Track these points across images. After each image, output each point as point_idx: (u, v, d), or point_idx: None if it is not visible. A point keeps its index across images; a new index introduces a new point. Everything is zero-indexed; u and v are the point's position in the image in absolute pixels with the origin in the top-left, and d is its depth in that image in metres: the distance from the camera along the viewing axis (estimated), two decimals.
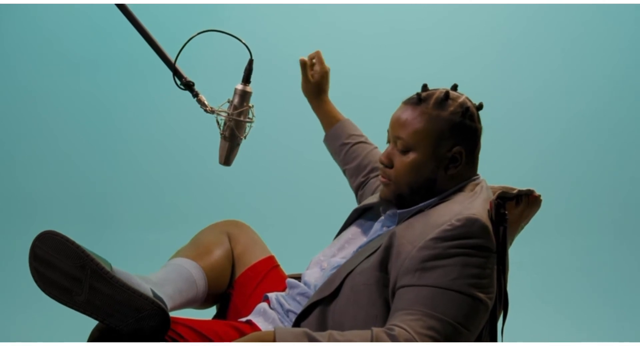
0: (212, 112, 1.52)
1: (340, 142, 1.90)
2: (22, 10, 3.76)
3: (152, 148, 3.80)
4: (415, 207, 1.48)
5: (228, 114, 1.52)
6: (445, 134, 1.43)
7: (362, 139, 1.90)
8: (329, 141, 1.94)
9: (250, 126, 1.55)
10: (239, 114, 1.52)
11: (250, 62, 1.53)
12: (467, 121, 1.45)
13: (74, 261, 1.29)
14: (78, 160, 3.77)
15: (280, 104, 3.66)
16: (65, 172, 3.75)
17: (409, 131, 1.44)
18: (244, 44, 1.52)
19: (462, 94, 1.49)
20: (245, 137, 1.55)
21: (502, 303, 1.43)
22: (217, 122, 1.54)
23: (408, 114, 1.46)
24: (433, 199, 1.47)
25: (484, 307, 1.34)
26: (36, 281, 1.30)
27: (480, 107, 1.50)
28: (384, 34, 3.78)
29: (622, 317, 3.08)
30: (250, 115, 1.54)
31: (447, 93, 1.46)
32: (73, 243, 1.29)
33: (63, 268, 1.29)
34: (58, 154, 3.77)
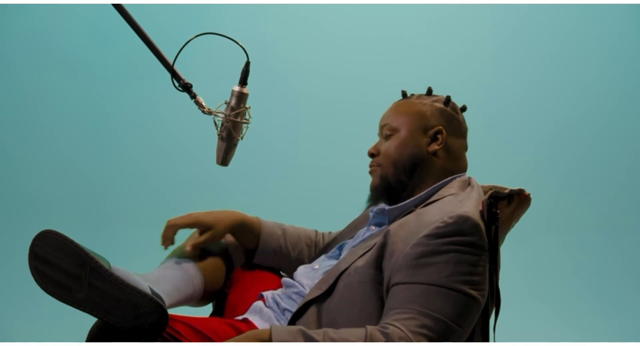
0: (210, 113, 1.54)
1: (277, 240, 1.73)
2: (22, 12, 3.77)
3: (150, 148, 3.80)
4: (405, 203, 1.51)
5: (225, 115, 1.54)
6: (427, 115, 1.54)
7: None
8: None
9: (247, 127, 1.56)
10: (236, 115, 1.54)
11: (247, 64, 1.54)
12: (449, 109, 1.56)
13: (73, 259, 1.30)
14: (77, 160, 3.78)
15: (277, 105, 3.68)
16: (64, 172, 3.76)
17: (393, 116, 1.57)
18: (241, 46, 1.53)
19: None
20: (242, 138, 1.56)
21: (494, 301, 1.45)
22: (215, 123, 1.55)
23: (393, 107, 1.60)
24: (421, 194, 1.51)
25: (477, 304, 1.36)
26: (36, 280, 1.32)
27: (463, 108, 1.60)
28: (379, 37, 3.79)
29: (614, 316, 3.10)
30: (247, 117, 1.56)
31: (429, 89, 1.60)
32: (72, 242, 1.31)
33: (62, 267, 1.30)
34: (58, 155, 3.78)
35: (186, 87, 1.55)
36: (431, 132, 1.52)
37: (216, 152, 1.58)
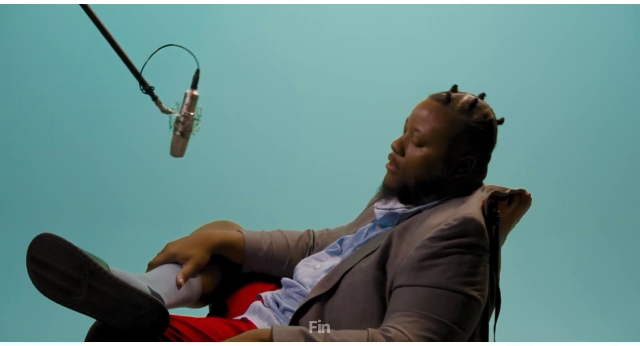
0: (168, 112, 1.71)
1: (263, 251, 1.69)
2: (22, 12, 3.77)
3: (150, 148, 3.79)
4: (417, 208, 1.50)
5: (180, 114, 1.71)
6: (463, 139, 1.46)
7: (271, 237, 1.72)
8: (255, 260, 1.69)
9: (198, 124, 1.73)
10: (188, 114, 1.71)
11: (197, 71, 1.71)
12: (487, 133, 1.49)
13: (72, 262, 1.30)
14: (77, 160, 3.78)
15: (277, 105, 3.68)
16: (64, 172, 3.76)
17: (428, 127, 1.46)
18: (192, 54, 1.69)
19: (487, 105, 1.52)
20: (194, 134, 1.73)
21: (494, 301, 1.46)
22: (169, 122, 1.73)
23: (432, 110, 1.48)
24: (433, 202, 1.49)
25: (478, 305, 1.36)
26: (35, 284, 1.31)
27: (501, 121, 1.53)
28: (379, 37, 3.79)
29: (614, 316, 3.10)
30: (198, 115, 1.72)
31: (475, 101, 1.48)
32: (70, 244, 1.31)
33: (61, 270, 1.30)
34: (57, 155, 3.78)
35: (149, 91, 1.72)
36: (462, 159, 1.47)
37: (171, 145, 1.75)
